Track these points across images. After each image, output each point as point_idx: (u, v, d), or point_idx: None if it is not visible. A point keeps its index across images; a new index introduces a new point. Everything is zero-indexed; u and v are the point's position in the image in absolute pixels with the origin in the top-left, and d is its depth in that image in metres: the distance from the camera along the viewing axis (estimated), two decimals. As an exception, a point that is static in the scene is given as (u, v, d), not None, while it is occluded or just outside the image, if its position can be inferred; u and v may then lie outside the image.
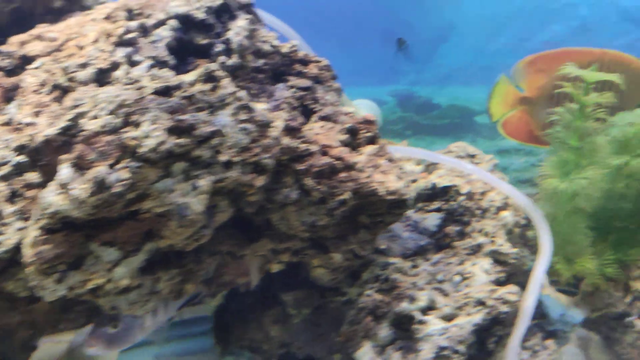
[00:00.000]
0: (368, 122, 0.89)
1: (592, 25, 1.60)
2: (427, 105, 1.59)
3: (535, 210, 0.99)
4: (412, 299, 0.82)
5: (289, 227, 0.79)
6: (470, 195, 1.05)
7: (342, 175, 0.78)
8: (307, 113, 0.95)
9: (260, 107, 0.88)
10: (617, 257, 1.16)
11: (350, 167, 0.79)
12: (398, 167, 0.87)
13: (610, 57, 1.53)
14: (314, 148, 0.78)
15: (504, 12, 1.52)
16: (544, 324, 0.99)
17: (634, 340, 1.10)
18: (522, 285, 0.95)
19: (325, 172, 0.77)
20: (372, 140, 0.88)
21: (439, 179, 1.10)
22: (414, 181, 1.12)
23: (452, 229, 1.03)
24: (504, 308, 0.83)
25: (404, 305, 0.81)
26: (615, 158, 1.04)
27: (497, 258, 0.93)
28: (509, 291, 0.85)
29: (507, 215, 1.05)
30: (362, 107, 1.57)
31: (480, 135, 1.63)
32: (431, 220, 1.01)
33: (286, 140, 0.76)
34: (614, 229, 1.18)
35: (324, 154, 0.79)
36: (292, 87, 0.96)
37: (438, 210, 1.05)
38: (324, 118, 0.93)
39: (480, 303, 0.82)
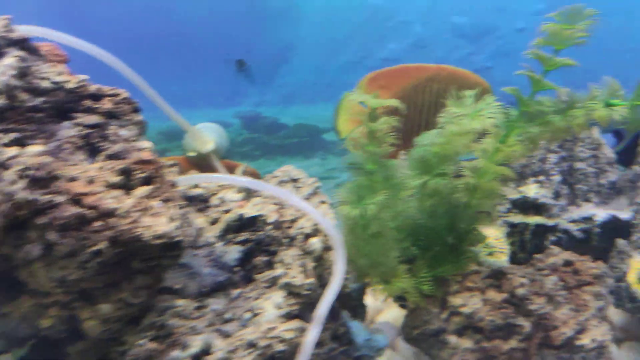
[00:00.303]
0: (143, 162, 0.86)
1: (427, 42, 1.65)
2: (274, 125, 1.58)
3: (336, 236, 0.99)
4: (185, 346, 0.80)
5: (39, 284, 0.74)
6: (277, 224, 1.04)
7: (97, 224, 0.74)
8: (95, 152, 0.91)
9: (34, 149, 0.83)
10: (435, 273, 1.19)
11: (107, 214, 0.76)
12: (175, 207, 0.85)
13: (447, 72, 1.60)
14: (60, 199, 0.73)
15: (342, 32, 1.53)
16: (350, 351, 1.00)
17: (449, 356, 1.13)
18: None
19: (72, 224, 0.72)
20: (147, 181, 0.85)
21: (253, 207, 1.08)
22: (227, 211, 1.10)
23: (260, 259, 1.02)
24: (280, 347, 0.82)
25: (176, 354, 0.79)
26: (416, 178, 1.06)
27: (291, 290, 0.92)
28: (287, 328, 0.84)
29: (315, 242, 1.05)
30: (206, 131, 1.53)
31: (330, 152, 1.65)
32: (232, 253, 0.99)
33: (24, 194, 0.71)
34: (434, 245, 1.22)
35: (76, 203, 0.75)
36: (78, 125, 0.91)
37: (246, 241, 1.03)
38: (112, 157, 0.90)
39: (252, 345, 0.80)
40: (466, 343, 1.12)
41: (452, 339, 1.13)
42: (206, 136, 1.51)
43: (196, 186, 1.18)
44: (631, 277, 1.25)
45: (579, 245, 1.38)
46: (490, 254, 1.41)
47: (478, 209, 1.20)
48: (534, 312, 1.10)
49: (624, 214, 1.38)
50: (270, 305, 0.90)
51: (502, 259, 1.40)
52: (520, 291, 1.12)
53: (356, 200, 0.99)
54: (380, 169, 1.03)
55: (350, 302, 1.19)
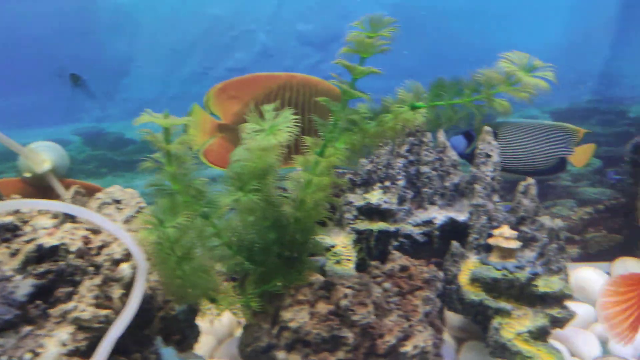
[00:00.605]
0: None
1: (274, 51, 1.65)
2: (120, 141, 1.52)
3: (140, 261, 0.95)
4: (-64, 399, 0.74)
5: None
6: (82, 252, 0.99)
7: None
8: None
9: None
10: (265, 288, 1.18)
11: None
12: None
13: (298, 80, 1.58)
14: None
15: (183, 42, 1.52)
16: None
17: (277, 372, 1.11)
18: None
19: None
20: None
21: (57, 235, 1.02)
22: (29, 241, 1.03)
23: (63, 291, 0.96)
24: (49, 390, 0.77)
25: None
26: (230, 195, 1.04)
27: (81, 324, 0.88)
28: (61, 369, 0.80)
29: (125, 268, 1.01)
30: (42, 150, 1.45)
31: (183, 166, 1.60)
32: (24, 288, 0.93)
33: None
34: (267, 259, 1.20)
35: None
36: None
37: (46, 273, 0.97)
38: None
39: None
40: (295, 358, 1.11)
41: (281, 354, 1.11)
42: (42, 156, 1.43)
43: (17, 212, 1.11)
44: (463, 279, 1.28)
45: (422, 249, 1.41)
46: (338, 262, 1.41)
47: (309, 221, 1.19)
48: (357, 322, 1.11)
49: (462, 216, 1.42)
50: (54, 343, 0.85)
51: (349, 267, 1.41)
52: (343, 302, 1.12)
53: (156, 223, 0.95)
54: (187, 189, 1.00)
55: (178, 325, 1.15)
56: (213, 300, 1.13)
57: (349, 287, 1.15)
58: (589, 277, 1.61)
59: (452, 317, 1.40)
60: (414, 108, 1.06)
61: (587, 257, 1.85)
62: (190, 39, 1.60)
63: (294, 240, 1.21)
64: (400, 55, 1.78)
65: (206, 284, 1.08)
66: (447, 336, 1.38)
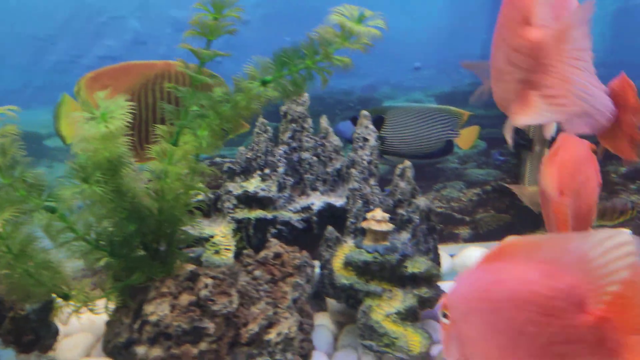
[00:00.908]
0: None
1: (147, 38, 1.60)
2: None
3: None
4: None
5: None
6: None
7: None
8: None
9: None
10: (127, 283, 1.14)
11: None
12: None
13: (175, 68, 1.53)
14: None
15: (46, 29, 1.44)
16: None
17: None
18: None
19: None
20: None
21: None
22: None
23: None
24: None
25: None
26: (71, 188, 0.99)
27: None
28: None
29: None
30: None
31: (57, 160, 1.53)
32: None
33: None
34: (130, 252, 1.16)
35: None
36: None
37: None
38: None
39: None
40: (156, 352, 1.07)
41: (141, 349, 1.08)
42: None
43: None
44: (337, 263, 1.28)
45: (302, 235, 1.40)
46: (217, 252, 1.39)
47: (174, 211, 1.16)
48: (218, 312, 1.08)
49: (341, 201, 1.42)
50: None
51: (228, 257, 1.39)
52: (203, 292, 1.09)
53: (-20, 219, 0.89)
54: (18, 182, 0.94)
55: (29, 325, 1.10)
56: (66, 297, 1.09)
57: (211, 277, 1.13)
58: (475, 256, 1.65)
59: (334, 302, 1.40)
60: (264, 83, 1.05)
61: (478, 237, 1.90)
62: (54, 25, 1.52)
63: (158, 231, 1.18)
64: (282, 41, 1.76)
65: (52, 280, 1.03)
66: (328, 321, 1.38)
